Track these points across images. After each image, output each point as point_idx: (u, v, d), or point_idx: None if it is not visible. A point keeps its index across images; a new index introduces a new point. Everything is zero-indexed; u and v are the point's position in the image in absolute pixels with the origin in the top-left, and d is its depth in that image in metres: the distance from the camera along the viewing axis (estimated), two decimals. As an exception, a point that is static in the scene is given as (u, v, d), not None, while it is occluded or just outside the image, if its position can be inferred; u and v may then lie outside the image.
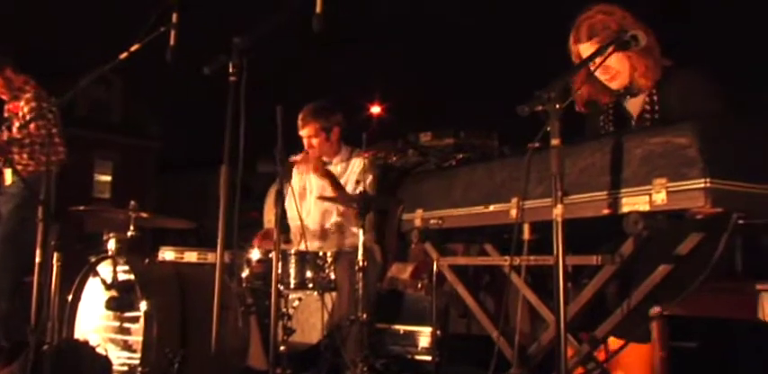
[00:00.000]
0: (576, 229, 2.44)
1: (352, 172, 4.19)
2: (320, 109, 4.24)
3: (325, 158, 4.32)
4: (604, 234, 2.38)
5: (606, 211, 2.16)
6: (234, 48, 2.70)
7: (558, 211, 2.01)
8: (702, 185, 1.95)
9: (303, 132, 4.20)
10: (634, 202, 2.09)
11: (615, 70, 2.65)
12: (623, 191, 2.13)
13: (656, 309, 2.28)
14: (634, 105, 2.72)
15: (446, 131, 5.86)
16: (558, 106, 2.03)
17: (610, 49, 2.28)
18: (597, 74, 2.70)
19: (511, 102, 2.20)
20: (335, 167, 4.27)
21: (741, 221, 2.09)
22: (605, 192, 2.18)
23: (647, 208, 2.06)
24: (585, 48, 2.64)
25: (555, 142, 2.05)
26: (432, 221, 2.86)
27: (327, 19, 2.71)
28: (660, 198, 2.02)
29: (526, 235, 2.43)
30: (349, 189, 4.14)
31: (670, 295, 2.25)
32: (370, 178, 4.04)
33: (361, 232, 3.52)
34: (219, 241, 2.62)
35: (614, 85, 2.70)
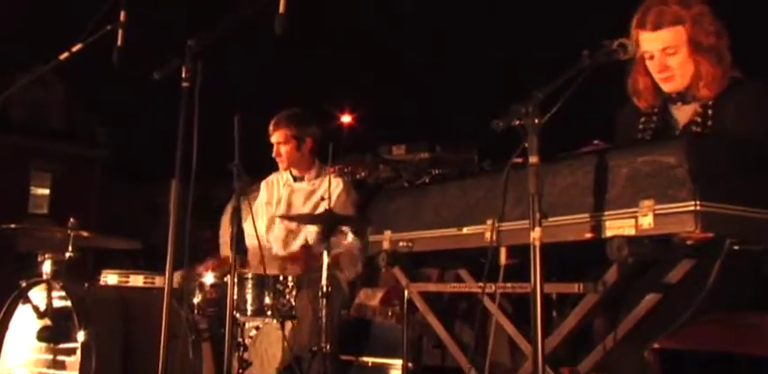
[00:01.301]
0: (563, 253, 2.47)
1: (325, 190, 4.20)
2: (295, 116, 4.31)
3: (294, 171, 4.34)
4: (594, 258, 2.39)
5: (588, 235, 2.18)
6: (187, 51, 2.71)
7: (535, 235, 2.03)
8: (692, 208, 1.97)
9: (273, 137, 4.28)
10: (619, 226, 2.11)
11: (674, 71, 2.64)
12: (607, 213, 2.15)
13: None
14: (684, 114, 2.72)
15: (421, 144, 5.90)
16: (536, 121, 2.06)
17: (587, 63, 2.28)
18: (651, 69, 2.69)
19: (494, 112, 2.22)
20: (307, 184, 4.29)
21: (736, 247, 2.12)
22: (588, 215, 2.20)
23: (632, 232, 2.07)
24: (648, 39, 2.62)
25: (533, 159, 2.07)
26: (401, 244, 2.86)
27: (291, 20, 2.73)
28: (647, 221, 2.04)
29: (502, 259, 2.45)
30: (320, 210, 4.14)
31: (659, 327, 2.26)
32: (342, 196, 4.07)
33: (325, 254, 3.52)
34: (168, 263, 2.60)
35: (667, 88, 2.70)
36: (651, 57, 2.67)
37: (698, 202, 1.96)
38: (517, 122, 2.09)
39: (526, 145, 2.11)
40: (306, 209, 4.23)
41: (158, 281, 3.88)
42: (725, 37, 2.63)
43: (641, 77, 2.75)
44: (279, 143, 4.27)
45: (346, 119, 13.58)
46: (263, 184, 4.52)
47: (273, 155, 4.30)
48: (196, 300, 3.60)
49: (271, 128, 4.29)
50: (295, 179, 4.38)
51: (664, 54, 2.63)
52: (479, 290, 2.59)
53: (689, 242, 2.07)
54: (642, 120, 2.81)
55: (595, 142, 2.54)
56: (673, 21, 2.60)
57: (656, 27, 2.61)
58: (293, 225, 4.21)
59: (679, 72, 2.64)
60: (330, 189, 4.08)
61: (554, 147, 2.44)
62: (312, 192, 4.28)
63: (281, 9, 2.74)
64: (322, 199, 3.69)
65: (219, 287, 3.61)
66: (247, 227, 4.13)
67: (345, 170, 4.81)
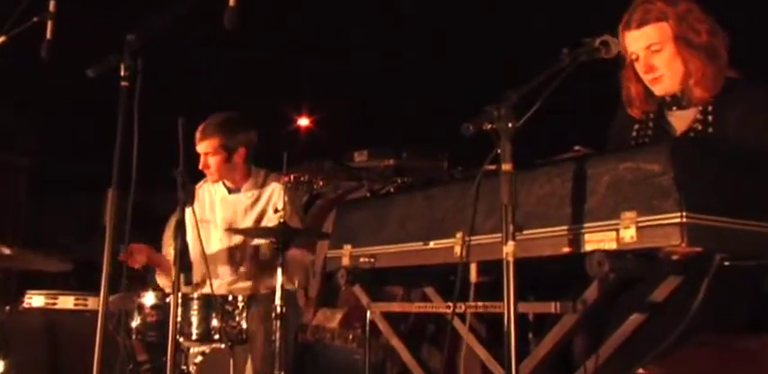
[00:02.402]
0: (540, 269, 2.49)
1: (269, 200, 4.17)
2: (225, 123, 4.19)
3: (228, 183, 4.27)
4: (573, 275, 2.41)
5: (566, 250, 2.19)
6: (126, 47, 2.69)
7: (508, 249, 2.04)
8: (678, 220, 1.98)
9: (199, 147, 4.15)
10: (599, 239, 2.13)
11: (661, 71, 2.70)
12: (587, 225, 2.17)
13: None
14: (681, 120, 2.76)
15: (386, 150, 5.92)
16: (510, 124, 2.07)
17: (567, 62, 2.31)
18: (639, 72, 2.75)
19: (466, 115, 2.23)
20: (246, 195, 4.23)
21: (727, 263, 2.15)
22: (565, 227, 2.21)
23: (613, 246, 2.09)
24: (632, 38, 2.69)
25: (506, 167, 2.08)
26: (362, 259, 2.86)
27: (243, 14, 2.73)
28: (629, 234, 2.06)
29: (473, 276, 2.46)
30: (264, 223, 4.11)
31: (645, 350, 2.28)
32: (289, 208, 4.02)
33: (279, 271, 3.51)
34: (104, 281, 2.58)
35: (658, 90, 2.76)
36: (637, 59, 2.72)
37: (684, 214, 1.97)
38: (489, 126, 2.11)
39: (499, 151, 2.13)
40: (247, 223, 4.14)
41: (91, 303, 3.85)
42: (720, 36, 2.69)
43: (632, 84, 2.82)
44: (206, 153, 4.14)
45: (304, 122, 13.54)
46: (198, 193, 4.39)
47: (200, 166, 4.16)
48: (135, 324, 3.56)
49: (197, 136, 4.15)
50: (230, 191, 4.28)
51: (649, 52, 2.69)
52: (448, 310, 2.60)
53: (675, 257, 2.09)
54: (636, 127, 2.86)
55: (576, 148, 2.57)
56: (657, 17, 2.66)
57: (639, 25, 2.68)
58: (237, 240, 4.15)
59: (667, 71, 2.70)
60: (274, 198, 4.08)
61: (532, 154, 2.46)
62: (251, 205, 4.20)
63: (232, 2, 2.75)
64: (275, 210, 3.67)
65: (161, 308, 3.57)
66: (191, 241, 4.10)
67: (302, 179, 4.79)
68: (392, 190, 3.23)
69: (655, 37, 2.67)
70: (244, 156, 4.19)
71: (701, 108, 2.71)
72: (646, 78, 2.75)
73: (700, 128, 2.69)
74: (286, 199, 3.83)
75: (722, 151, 2.19)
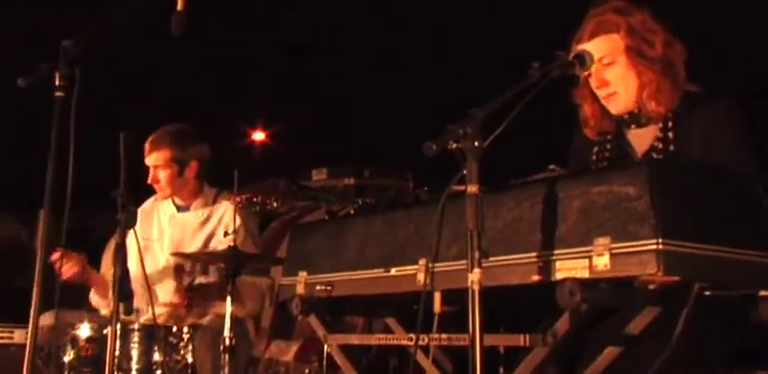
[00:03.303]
0: (510, 298, 2.51)
1: (221, 220, 4.16)
2: (178, 134, 4.21)
3: (178, 200, 4.27)
4: (543, 305, 2.43)
5: (536, 278, 2.22)
6: (62, 54, 2.68)
7: (474, 277, 2.06)
8: (654, 247, 2.01)
9: (149, 160, 4.16)
10: (570, 267, 2.15)
11: (614, 86, 2.76)
12: (557, 252, 2.19)
13: None
14: (641, 138, 2.81)
15: (346, 168, 5.94)
16: (476, 144, 2.10)
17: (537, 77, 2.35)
18: (594, 89, 2.81)
19: (434, 130, 2.25)
20: (195, 214, 4.22)
21: (707, 293, 2.18)
22: (535, 254, 2.24)
23: (586, 274, 2.11)
24: (592, 47, 2.71)
25: (472, 189, 2.10)
26: (318, 287, 2.87)
27: (191, 19, 2.74)
28: (602, 262, 2.08)
29: (437, 306, 2.47)
30: (213, 245, 4.10)
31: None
32: (240, 231, 4.01)
33: (229, 300, 3.50)
34: (33, 311, 2.55)
35: (613, 107, 2.81)
36: (590, 74, 2.77)
37: (661, 240, 2.00)
38: (454, 146, 2.13)
39: (465, 172, 2.15)
40: (196, 246, 4.15)
41: (18, 336, 3.79)
42: (676, 48, 2.75)
43: (587, 103, 2.88)
44: (156, 167, 4.16)
45: (258, 136, 13.49)
46: (139, 214, 4.39)
47: (150, 181, 4.18)
48: (67, 359, 3.52)
49: (146, 148, 4.17)
50: (179, 208, 4.29)
51: (600, 66, 2.74)
52: (411, 343, 2.61)
53: (651, 286, 2.11)
54: (595, 149, 2.90)
55: (551, 167, 2.60)
56: (608, 28, 2.73)
57: (590, 37, 2.74)
58: (183, 263, 4.13)
59: (621, 86, 2.75)
60: (225, 219, 4.06)
61: (503, 173, 2.49)
62: (201, 225, 4.20)
63: (180, 6, 2.75)
64: (226, 233, 3.66)
65: (97, 341, 3.54)
66: (133, 265, 4.08)
67: (254, 200, 4.79)
68: (352, 212, 3.24)
69: (605, 49, 2.73)
70: (196, 171, 4.20)
71: (660, 125, 2.76)
72: (600, 94, 2.80)
73: (660, 146, 2.73)
74: (239, 220, 3.82)
75: (701, 173, 2.22)
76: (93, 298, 4.25)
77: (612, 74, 2.74)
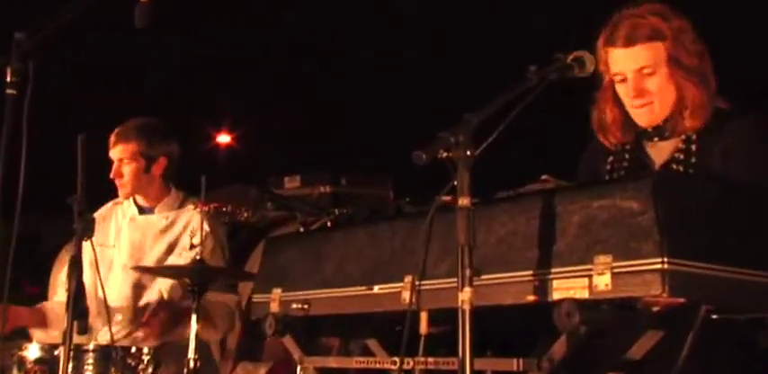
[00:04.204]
0: (503, 319, 2.52)
1: (185, 228, 4.14)
2: (147, 127, 4.22)
3: (141, 200, 4.24)
4: (539, 327, 2.44)
5: (531, 298, 2.23)
6: (15, 47, 2.68)
7: (465, 296, 2.08)
8: (659, 266, 2.02)
9: (114, 152, 4.17)
10: (569, 287, 2.17)
11: (653, 96, 2.76)
12: (555, 270, 2.21)
13: None
14: (660, 151, 2.84)
15: (322, 175, 5.93)
16: (468, 152, 2.12)
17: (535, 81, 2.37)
18: (623, 96, 2.81)
19: (416, 136, 2.27)
20: (159, 216, 4.20)
21: (714, 316, 2.21)
22: (530, 272, 2.25)
23: (585, 295, 2.13)
24: (619, 58, 2.75)
25: (464, 201, 2.12)
26: (294, 306, 2.88)
27: (157, 11, 2.74)
28: (603, 282, 2.10)
29: (423, 327, 2.48)
30: (173, 258, 4.08)
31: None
32: (209, 240, 4.01)
33: (194, 318, 3.49)
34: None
35: (643, 119, 2.82)
36: (624, 80, 2.78)
37: (666, 259, 2.02)
38: (445, 155, 2.15)
39: (455, 183, 2.17)
40: (157, 253, 4.13)
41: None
42: (707, 59, 2.78)
43: (609, 108, 2.88)
44: (121, 160, 4.15)
45: (224, 138, 13.43)
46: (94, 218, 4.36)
47: (112, 175, 4.16)
48: (15, 382, 3.50)
49: (112, 139, 4.18)
50: (141, 210, 4.27)
51: (639, 75, 2.75)
52: (394, 366, 2.62)
53: (655, 308, 2.14)
54: (610, 159, 2.92)
55: (544, 177, 2.62)
56: (650, 35, 2.72)
57: (629, 42, 2.73)
58: (144, 277, 4.11)
59: (658, 97, 2.76)
60: (192, 226, 4.04)
61: (494, 185, 2.50)
62: (164, 230, 4.17)
63: (144, -4, 2.75)
64: (191, 246, 3.66)
65: (48, 363, 3.53)
66: (88, 279, 4.05)
67: (223, 209, 4.79)
68: (329, 223, 3.26)
69: (648, 59, 2.73)
70: (163, 169, 4.21)
71: (683, 137, 2.79)
72: (632, 103, 2.80)
73: (682, 157, 2.76)
74: (207, 229, 3.81)
75: (709, 188, 2.25)
76: (35, 334, 4.18)
77: (653, 84, 2.74)
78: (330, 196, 5.71)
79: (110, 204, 4.39)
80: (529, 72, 2.41)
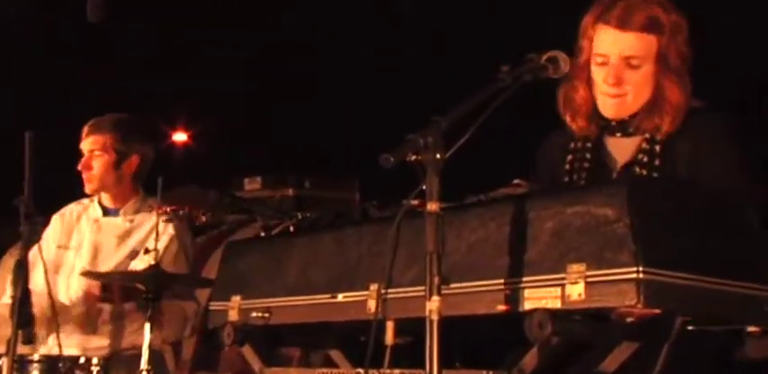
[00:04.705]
0: (472, 329, 2.54)
1: (150, 232, 4.12)
2: (125, 122, 4.24)
3: (106, 200, 4.21)
4: (510, 338, 2.45)
5: (502, 308, 2.25)
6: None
7: (433, 306, 2.09)
8: (634, 275, 2.04)
9: (85, 143, 4.16)
10: (541, 296, 2.19)
11: (629, 89, 2.74)
12: (526, 279, 2.23)
13: None
14: (623, 150, 2.84)
15: (284, 177, 5.93)
16: (437, 155, 2.14)
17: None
18: (598, 80, 2.77)
19: (385, 138, 2.28)
20: (123, 219, 4.17)
21: (690, 327, 2.23)
22: (501, 281, 2.27)
23: (557, 305, 2.15)
24: (608, 38, 2.72)
25: (432, 207, 2.14)
26: (254, 314, 2.88)
27: (110, 6, 2.75)
28: (576, 291, 2.12)
29: (389, 337, 2.50)
30: (135, 262, 4.06)
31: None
32: (173, 246, 4.02)
33: (147, 327, 3.49)
34: None
35: (610, 110, 2.80)
36: (604, 64, 2.76)
37: (641, 268, 2.04)
38: (413, 158, 2.16)
39: (424, 187, 2.19)
40: (119, 257, 4.12)
41: None
42: (689, 63, 2.77)
43: (582, 89, 2.85)
44: (92, 152, 4.14)
45: (180, 137, 13.37)
46: (55, 218, 4.32)
47: (80, 166, 4.15)
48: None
49: (85, 130, 4.19)
50: (106, 212, 4.26)
51: (624, 64, 2.74)
52: (357, 379, 2.63)
53: (630, 319, 2.17)
54: (569, 158, 2.94)
55: (516, 181, 2.64)
56: (647, 25, 2.70)
57: (623, 25, 2.71)
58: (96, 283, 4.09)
59: (634, 92, 2.76)
60: (155, 232, 4.03)
61: (464, 189, 2.52)
62: (128, 233, 4.17)
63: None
64: (146, 251, 3.65)
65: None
66: (38, 285, 4.03)
67: (180, 212, 4.77)
68: (291, 228, 3.27)
69: (639, 49, 2.72)
70: (135, 169, 4.21)
71: (647, 135, 2.79)
72: (607, 90, 2.78)
73: (645, 159, 2.77)
74: (172, 232, 3.81)
75: (688, 195, 2.27)
76: None
77: (635, 77, 2.73)
78: (293, 199, 5.72)
79: (73, 204, 4.38)
80: (501, 72, 2.42)
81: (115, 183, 4.21)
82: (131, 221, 4.22)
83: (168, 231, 4.01)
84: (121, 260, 4.15)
